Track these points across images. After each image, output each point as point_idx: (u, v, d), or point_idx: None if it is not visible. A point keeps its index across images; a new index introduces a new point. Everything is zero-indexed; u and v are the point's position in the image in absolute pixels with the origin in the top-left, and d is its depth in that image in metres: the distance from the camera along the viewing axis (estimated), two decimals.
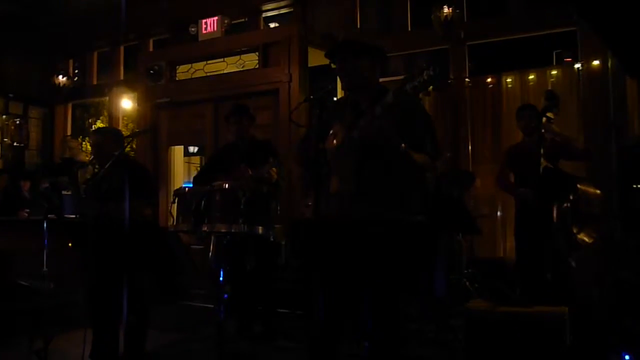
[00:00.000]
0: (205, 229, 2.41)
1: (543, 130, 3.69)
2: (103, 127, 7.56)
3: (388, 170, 2.26)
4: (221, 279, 2.52)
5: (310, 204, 2.20)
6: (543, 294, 3.61)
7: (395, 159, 2.24)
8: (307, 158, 2.40)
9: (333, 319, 2.32)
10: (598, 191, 3.60)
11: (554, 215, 3.58)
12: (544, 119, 3.73)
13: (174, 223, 2.57)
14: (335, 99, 6.42)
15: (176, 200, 2.59)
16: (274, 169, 3.29)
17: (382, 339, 2.31)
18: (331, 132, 2.38)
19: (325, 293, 2.19)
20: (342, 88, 2.38)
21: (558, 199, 3.64)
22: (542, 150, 3.68)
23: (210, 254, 2.54)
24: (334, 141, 2.35)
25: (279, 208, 2.61)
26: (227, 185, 2.46)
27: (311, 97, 2.41)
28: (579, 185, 3.68)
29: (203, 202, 2.40)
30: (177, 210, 2.56)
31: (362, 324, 2.37)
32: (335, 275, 2.29)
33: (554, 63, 5.82)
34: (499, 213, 5.77)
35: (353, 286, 2.34)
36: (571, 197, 3.62)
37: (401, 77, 2.33)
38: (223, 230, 2.40)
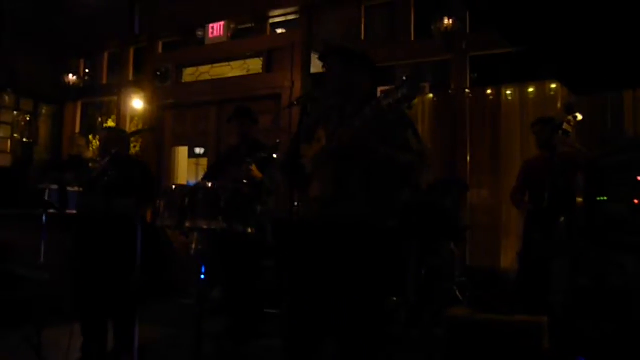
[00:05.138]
0: (187, 225, 2.52)
1: (555, 143, 3.70)
2: (108, 127, 7.74)
3: (364, 177, 2.33)
4: (202, 275, 2.61)
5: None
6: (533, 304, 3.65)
7: (373, 165, 2.30)
8: (283, 162, 2.48)
9: (309, 319, 2.39)
10: None
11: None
12: (559, 132, 3.72)
13: (160, 219, 2.68)
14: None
15: (163, 197, 2.69)
16: (253, 167, 3.36)
17: (356, 341, 2.37)
18: (315, 137, 2.46)
19: (299, 293, 2.27)
20: (330, 92, 2.44)
21: (563, 213, 3.68)
22: (553, 165, 3.70)
23: (191, 250, 2.64)
24: (318, 146, 2.43)
25: (259, 208, 2.70)
26: (210, 185, 2.57)
27: (294, 102, 2.50)
28: (577, 199, 3.73)
29: (187, 200, 2.50)
30: (162, 207, 2.66)
31: (338, 325, 2.42)
32: (310, 275, 2.36)
33: None
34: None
35: (327, 287, 2.40)
36: (569, 211, 3.68)
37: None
38: (204, 227, 2.50)
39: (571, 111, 3.74)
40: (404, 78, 2.01)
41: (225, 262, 3.41)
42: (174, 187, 2.73)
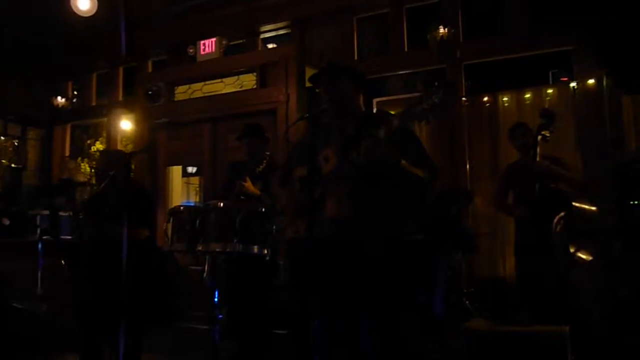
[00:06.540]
0: (200, 248, 2.39)
1: (538, 151, 3.67)
2: (104, 149, 7.60)
3: (385, 191, 2.25)
4: (216, 299, 2.49)
5: (296, 227, 2.15)
6: (545, 313, 3.58)
7: (394, 179, 2.22)
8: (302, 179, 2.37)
9: (328, 340, 2.29)
10: (594, 208, 3.58)
11: (552, 233, 3.56)
12: (539, 137, 3.72)
13: (169, 243, 2.55)
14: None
15: (171, 220, 2.56)
16: (247, 183, 3.23)
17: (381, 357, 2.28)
18: (321, 155, 2.36)
19: (321, 314, 2.16)
20: (325, 111, 2.34)
21: (554, 217, 3.62)
22: (540, 168, 3.68)
23: (204, 273, 2.51)
24: (327, 165, 2.33)
25: (274, 227, 2.59)
26: (221, 204, 2.45)
27: (306, 115, 2.41)
28: (574, 203, 3.67)
29: (198, 221, 2.38)
30: (171, 230, 2.54)
31: (360, 345, 2.32)
32: (332, 296, 2.26)
33: (551, 82, 5.85)
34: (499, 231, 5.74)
35: (350, 306, 2.30)
36: (565, 215, 3.61)
37: (398, 96, 2.29)
38: (218, 250, 2.38)
39: (547, 116, 3.74)
40: (437, 83, 1.92)
41: (235, 283, 3.27)
42: (181, 207, 2.60)
